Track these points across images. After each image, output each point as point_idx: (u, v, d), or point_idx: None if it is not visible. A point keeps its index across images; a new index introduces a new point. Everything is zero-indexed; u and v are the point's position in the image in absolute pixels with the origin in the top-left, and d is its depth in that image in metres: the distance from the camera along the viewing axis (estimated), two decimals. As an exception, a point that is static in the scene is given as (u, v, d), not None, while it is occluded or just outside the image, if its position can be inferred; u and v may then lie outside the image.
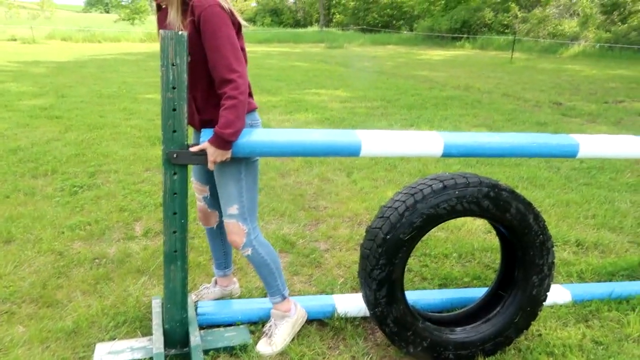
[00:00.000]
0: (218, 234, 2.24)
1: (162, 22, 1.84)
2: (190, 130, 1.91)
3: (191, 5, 1.68)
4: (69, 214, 3.30)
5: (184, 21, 1.73)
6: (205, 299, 2.30)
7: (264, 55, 18.39)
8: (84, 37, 24.66)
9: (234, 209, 1.89)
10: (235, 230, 1.91)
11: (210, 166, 1.73)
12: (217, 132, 1.67)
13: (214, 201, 2.10)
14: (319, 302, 2.21)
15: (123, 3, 52.12)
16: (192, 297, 2.16)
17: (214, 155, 1.70)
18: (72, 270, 2.58)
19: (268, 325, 2.08)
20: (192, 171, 2.12)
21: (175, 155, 1.68)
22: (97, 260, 2.69)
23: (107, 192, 3.71)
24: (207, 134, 1.72)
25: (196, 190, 2.14)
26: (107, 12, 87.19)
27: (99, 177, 4.06)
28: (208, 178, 2.05)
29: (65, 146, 4.93)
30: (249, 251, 1.96)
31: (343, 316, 2.18)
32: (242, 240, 1.93)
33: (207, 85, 1.78)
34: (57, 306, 2.26)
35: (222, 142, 1.68)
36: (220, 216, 2.13)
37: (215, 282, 2.36)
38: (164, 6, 1.83)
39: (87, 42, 23.95)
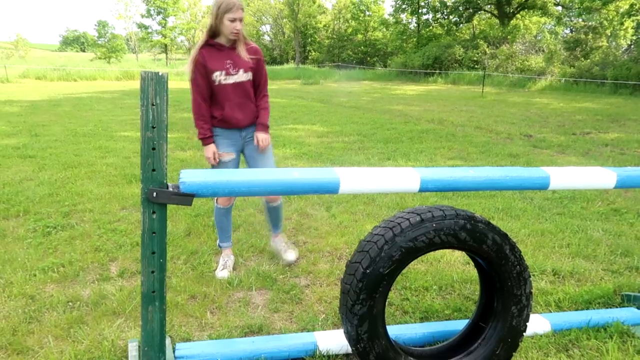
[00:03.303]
0: (230, 211, 3.08)
1: (211, 56, 2.78)
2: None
3: (251, 45, 2.87)
4: (42, 255, 3.21)
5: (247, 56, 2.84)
6: (231, 267, 3.06)
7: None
8: (59, 76, 24.59)
9: None
10: None
11: (266, 143, 2.93)
12: (265, 123, 2.94)
13: None
14: (300, 341, 2.18)
15: (99, 42, 52.41)
16: (219, 275, 2.97)
17: (267, 136, 2.94)
18: (44, 314, 2.49)
19: (283, 243, 3.24)
20: (224, 165, 2.89)
21: (154, 194, 1.68)
22: (70, 303, 2.60)
23: (81, 232, 3.63)
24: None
25: None
26: (83, 50, 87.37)
27: (73, 216, 3.98)
28: (238, 166, 3.02)
29: (39, 186, 4.84)
30: (279, 201, 3.16)
31: (325, 354, 2.15)
32: (280, 197, 3.17)
33: (254, 97, 2.95)
34: (28, 353, 2.17)
35: (267, 128, 2.96)
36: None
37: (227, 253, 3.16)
38: (227, 45, 2.80)
39: (62, 81, 23.87)
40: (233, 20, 2.70)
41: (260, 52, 2.92)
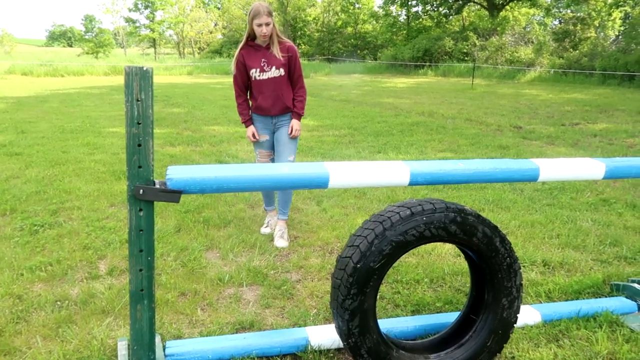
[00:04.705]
0: None
1: (249, 55, 3.28)
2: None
3: (285, 44, 3.28)
4: (29, 254, 3.17)
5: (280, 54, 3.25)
6: (273, 226, 3.60)
7: (230, 86, 18.36)
8: (45, 72, 24.20)
9: (292, 157, 3.47)
10: None
11: (297, 133, 3.41)
12: (300, 113, 3.41)
13: (273, 160, 3.57)
14: (292, 336, 2.17)
15: (87, 37, 51.79)
16: (262, 231, 3.63)
17: (300, 125, 3.43)
18: (32, 314, 2.46)
19: (279, 230, 3.47)
20: (260, 145, 3.49)
21: (141, 192, 1.65)
22: (59, 303, 2.57)
23: (69, 230, 3.59)
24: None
25: (263, 157, 3.53)
26: (71, 45, 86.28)
27: (61, 214, 3.94)
28: (272, 146, 3.51)
29: (25, 184, 4.77)
30: None
31: (317, 349, 2.14)
32: None
33: (290, 88, 3.41)
34: (15, 354, 2.14)
35: (300, 117, 3.43)
36: None
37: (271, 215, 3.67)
38: (264, 45, 3.26)
39: (49, 77, 23.52)
40: (260, 25, 3.14)
41: (293, 50, 3.33)
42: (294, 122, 3.42)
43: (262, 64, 3.28)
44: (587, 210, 4.17)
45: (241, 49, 3.31)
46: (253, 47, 3.29)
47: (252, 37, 3.28)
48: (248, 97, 3.46)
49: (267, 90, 3.32)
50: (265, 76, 3.30)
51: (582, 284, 2.80)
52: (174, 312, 2.50)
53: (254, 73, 3.30)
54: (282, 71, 3.30)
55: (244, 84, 3.39)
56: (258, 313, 2.51)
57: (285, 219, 3.58)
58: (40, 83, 19.33)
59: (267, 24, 3.14)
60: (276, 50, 3.24)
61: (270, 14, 3.15)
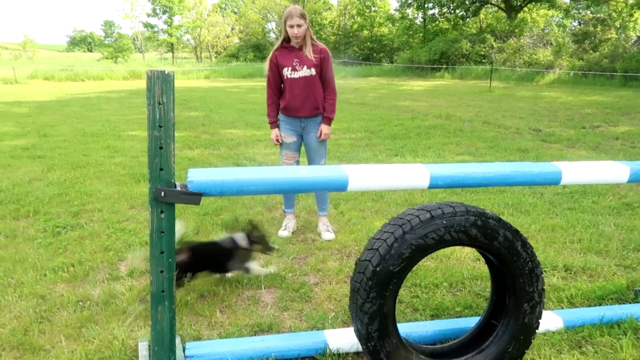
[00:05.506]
0: None
1: (283, 56, 3.40)
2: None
3: (318, 47, 3.39)
4: (52, 255, 3.23)
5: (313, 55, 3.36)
6: (291, 229, 3.66)
7: (247, 89, 18.59)
8: (66, 76, 24.73)
9: (323, 161, 3.60)
10: None
11: (326, 137, 3.50)
12: (330, 117, 3.49)
13: (298, 162, 3.66)
14: (310, 339, 2.17)
15: (106, 42, 52.65)
16: (279, 234, 3.62)
17: (330, 129, 3.51)
18: (55, 314, 2.50)
19: (324, 225, 3.65)
20: (286, 146, 3.54)
21: (162, 194, 1.67)
22: (81, 303, 2.61)
23: (90, 231, 3.64)
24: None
25: (289, 158, 3.58)
26: (91, 50, 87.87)
27: (82, 216, 4.00)
28: (299, 148, 3.59)
29: (48, 186, 4.86)
30: None
31: (336, 352, 2.14)
32: None
33: (321, 89, 3.46)
34: (40, 353, 2.18)
35: (331, 122, 3.51)
36: None
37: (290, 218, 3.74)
38: (297, 47, 3.37)
39: (70, 81, 24.01)
40: (292, 27, 3.27)
41: (325, 52, 3.43)
42: (324, 127, 3.49)
43: (294, 63, 3.38)
44: (610, 215, 4.09)
45: (275, 51, 3.44)
46: (287, 49, 3.41)
47: (286, 39, 3.40)
48: (278, 99, 3.53)
49: (298, 89, 3.41)
50: (297, 75, 3.40)
51: (605, 290, 2.75)
52: (194, 314, 2.52)
53: (286, 72, 3.40)
54: (313, 71, 3.39)
55: (276, 86, 3.49)
56: (276, 316, 2.52)
57: (326, 214, 3.75)
58: (61, 87, 19.72)
59: (299, 26, 3.27)
60: (309, 52, 3.36)
61: (302, 17, 3.28)
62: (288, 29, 3.30)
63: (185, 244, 2.64)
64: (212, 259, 2.73)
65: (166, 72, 1.61)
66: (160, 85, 1.61)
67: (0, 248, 3.34)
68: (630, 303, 2.65)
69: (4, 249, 3.33)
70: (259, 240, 2.78)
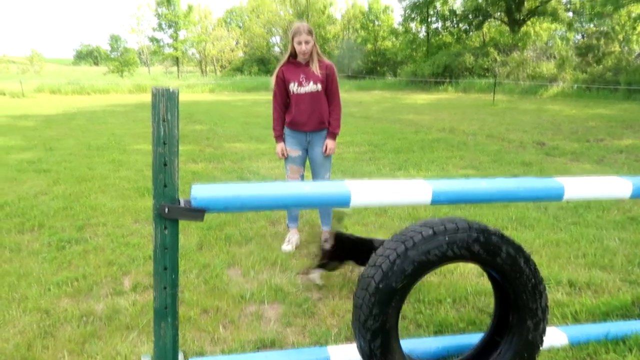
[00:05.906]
0: None
1: (289, 71, 3.44)
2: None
3: (324, 62, 3.44)
4: (56, 269, 3.24)
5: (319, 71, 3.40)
6: (294, 243, 3.64)
7: (252, 103, 18.71)
8: (73, 90, 24.95)
9: (327, 175, 3.64)
10: None
11: (331, 152, 3.54)
12: (335, 132, 3.53)
13: (303, 177, 3.70)
14: (313, 356, 2.16)
15: (112, 56, 53.24)
16: (283, 248, 3.61)
17: (335, 144, 3.55)
18: (59, 329, 2.51)
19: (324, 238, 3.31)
20: (291, 160, 3.57)
21: (166, 210, 1.68)
22: (84, 318, 2.62)
23: (95, 246, 3.66)
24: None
25: (294, 172, 3.61)
26: (97, 64, 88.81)
27: (87, 230, 4.02)
28: (304, 162, 3.64)
29: (53, 200, 4.90)
30: None
31: (338, 368, 2.12)
32: None
33: (326, 104, 3.51)
34: (42, 368, 2.18)
35: (336, 136, 3.56)
36: None
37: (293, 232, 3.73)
38: (304, 63, 3.42)
39: (76, 95, 24.23)
40: (299, 43, 3.32)
41: (331, 69, 3.49)
42: (329, 142, 3.54)
43: (300, 79, 3.43)
44: (614, 229, 4.07)
45: (282, 66, 3.49)
46: (293, 64, 3.46)
47: (293, 55, 3.45)
48: (284, 113, 3.58)
49: (304, 104, 3.46)
50: (303, 90, 3.44)
51: (610, 306, 2.72)
52: (196, 329, 2.51)
53: (293, 87, 3.45)
54: (319, 86, 3.44)
55: (282, 101, 3.53)
56: (279, 331, 2.51)
57: (330, 229, 3.69)
58: (67, 101, 19.91)
59: (307, 42, 3.32)
60: (315, 67, 3.41)
61: (310, 33, 3.33)
62: (296, 45, 3.34)
63: (334, 233, 2.84)
64: (356, 252, 2.90)
65: (171, 90, 1.63)
66: (165, 103, 1.63)
67: (5, 262, 3.35)
68: (635, 319, 2.62)
69: (9, 262, 3.34)
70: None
